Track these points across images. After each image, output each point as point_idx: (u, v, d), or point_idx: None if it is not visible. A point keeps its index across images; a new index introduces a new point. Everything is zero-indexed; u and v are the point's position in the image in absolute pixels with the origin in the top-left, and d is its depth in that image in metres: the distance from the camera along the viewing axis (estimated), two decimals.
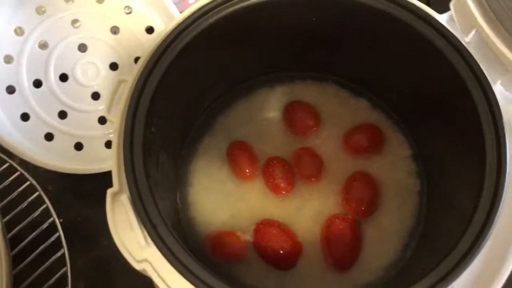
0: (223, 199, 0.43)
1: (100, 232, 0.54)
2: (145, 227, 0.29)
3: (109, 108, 0.34)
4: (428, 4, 0.37)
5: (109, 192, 0.31)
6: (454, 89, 0.35)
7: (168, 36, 0.35)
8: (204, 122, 0.46)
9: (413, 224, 0.41)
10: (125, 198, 0.30)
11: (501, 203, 0.30)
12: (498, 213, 0.30)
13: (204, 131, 0.46)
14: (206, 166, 0.44)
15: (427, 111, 0.41)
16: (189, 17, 0.36)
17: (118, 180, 0.32)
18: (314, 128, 0.45)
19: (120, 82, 0.34)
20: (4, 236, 0.38)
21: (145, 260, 0.30)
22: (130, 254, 0.30)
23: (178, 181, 0.43)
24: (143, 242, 0.30)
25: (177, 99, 0.38)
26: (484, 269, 0.30)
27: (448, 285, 0.28)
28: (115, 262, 0.53)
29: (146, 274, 0.30)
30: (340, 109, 0.46)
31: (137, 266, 0.29)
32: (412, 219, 0.42)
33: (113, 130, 0.52)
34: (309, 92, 0.47)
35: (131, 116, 0.32)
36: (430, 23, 0.35)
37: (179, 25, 0.36)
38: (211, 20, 0.36)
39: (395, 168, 0.44)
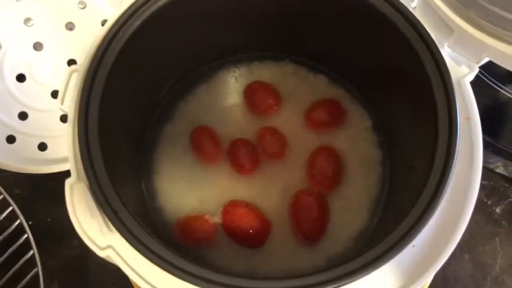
0: (190, 184, 0.43)
1: (71, 231, 0.53)
2: (105, 212, 0.29)
3: (62, 100, 0.33)
4: None
5: (67, 182, 0.31)
6: (404, 55, 0.35)
7: (117, 21, 0.35)
8: (165, 109, 0.46)
9: (378, 193, 0.42)
10: (82, 186, 0.30)
11: (454, 160, 0.31)
12: (452, 169, 0.31)
13: (165, 118, 0.45)
14: (170, 153, 0.44)
15: (382, 81, 0.41)
16: (136, 1, 0.36)
17: (76, 170, 0.31)
18: (275, 107, 0.45)
19: (71, 72, 0.34)
20: None
21: (109, 247, 0.29)
22: (93, 241, 0.29)
23: (143, 169, 0.43)
24: (105, 228, 0.29)
25: (133, 86, 0.38)
26: (441, 227, 0.31)
27: (408, 243, 0.29)
28: (88, 260, 0.52)
29: (111, 261, 0.30)
30: (299, 87, 0.46)
31: (101, 253, 0.29)
32: (376, 187, 0.42)
33: None
34: (267, 72, 0.47)
35: (84, 105, 0.32)
36: None
37: (128, 9, 0.36)
38: (160, 3, 0.36)
39: (357, 140, 0.44)
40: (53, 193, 0.55)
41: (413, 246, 0.30)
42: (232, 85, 0.47)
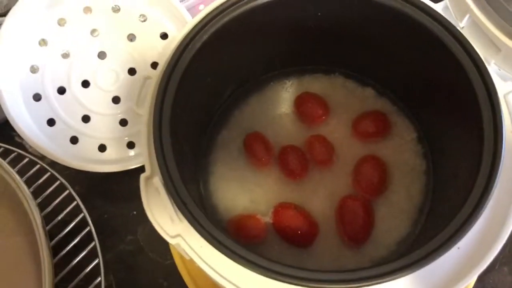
0: (242, 186, 0.46)
1: (125, 227, 0.57)
2: (176, 204, 0.33)
3: (137, 103, 0.37)
4: None
5: (142, 176, 0.34)
6: (452, 72, 0.38)
7: (185, 37, 0.39)
8: (221, 117, 0.49)
9: (422, 201, 0.44)
10: (157, 180, 0.34)
11: (499, 171, 0.33)
12: (497, 180, 0.33)
13: (221, 125, 0.49)
14: (224, 156, 0.47)
15: (429, 95, 0.44)
16: (202, 20, 0.39)
17: (150, 166, 0.35)
18: (324, 117, 0.48)
19: (146, 78, 0.37)
20: (45, 231, 0.41)
21: (178, 235, 0.33)
22: (164, 230, 0.33)
23: (200, 170, 0.46)
24: (175, 218, 0.33)
25: (197, 95, 0.42)
26: (486, 232, 0.33)
27: (454, 244, 0.31)
28: (141, 255, 0.56)
29: (179, 249, 0.33)
30: (347, 98, 0.49)
31: (171, 241, 0.32)
32: (420, 196, 0.44)
33: (134, 131, 0.56)
34: (317, 84, 0.50)
35: (159, 108, 0.35)
36: (428, 12, 0.39)
37: (194, 27, 0.39)
38: (223, 21, 0.40)
39: (402, 150, 0.46)
40: (109, 192, 0.60)
41: (458, 248, 0.32)
42: (283, 95, 0.50)
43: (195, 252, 0.32)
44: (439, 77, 0.40)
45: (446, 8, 0.39)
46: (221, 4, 0.40)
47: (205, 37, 0.39)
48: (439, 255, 0.31)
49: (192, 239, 0.33)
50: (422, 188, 0.45)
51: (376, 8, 0.40)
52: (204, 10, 0.40)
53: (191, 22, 0.40)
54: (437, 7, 0.39)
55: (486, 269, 0.51)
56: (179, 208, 0.32)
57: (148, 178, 0.34)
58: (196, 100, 0.42)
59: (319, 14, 0.42)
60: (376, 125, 0.47)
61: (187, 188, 0.34)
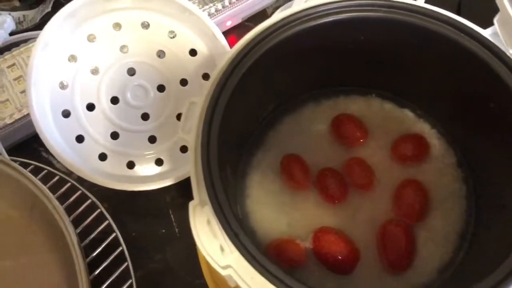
0: (279, 209, 0.45)
1: (154, 246, 0.57)
2: (228, 235, 0.32)
3: (183, 128, 0.37)
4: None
5: (191, 205, 0.34)
6: (501, 98, 0.37)
7: (230, 64, 0.38)
8: (257, 138, 0.48)
9: (463, 227, 0.44)
10: (207, 209, 0.33)
11: None
12: None
13: (257, 146, 0.48)
14: (261, 179, 0.47)
15: (472, 121, 0.43)
16: (246, 45, 0.39)
17: (198, 194, 0.34)
18: (362, 139, 0.48)
19: (190, 104, 0.37)
20: (81, 249, 0.41)
21: (229, 266, 0.32)
22: (215, 261, 0.32)
23: (237, 193, 0.46)
24: (226, 249, 0.32)
25: (238, 118, 0.41)
26: None
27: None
28: (169, 275, 0.55)
29: (230, 280, 0.32)
30: (385, 121, 0.48)
31: (223, 272, 0.32)
32: (461, 222, 0.44)
33: (163, 148, 0.56)
34: (354, 105, 0.49)
35: (206, 135, 0.35)
36: (475, 37, 0.38)
37: (239, 53, 0.39)
38: (269, 45, 0.39)
39: (442, 174, 0.46)
40: (137, 210, 0.59)
41: None
42: (319, 116, 0.49)
43: (246, 283, 0.32)
44: (486, 104, 0.40)
45: (495, 33, 0.38)
46: (264, 31, 0.40)
47: (248, 64, 0.38)
48: None
49: (243, 270, 0.32)
50: (463, 214, 0.44)
51: (421, 33, 0.40)
52: (248, 35, 0.40)
53: (235, 47, 0.39)
54: (486, 33, 0.39)
55: None
56: (230, 240, 0.32)
57: (196, 206, 0.34)
58: (237, 123, 0.42)
59: (362, 38, 0.42)
60: (415, 149, 0.47)
61: (237, 217, 0.33)
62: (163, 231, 0.57)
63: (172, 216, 0.58)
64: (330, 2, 0.40)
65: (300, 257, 0.42)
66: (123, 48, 0.58)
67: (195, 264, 0.54)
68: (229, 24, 0.66)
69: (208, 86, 0.37)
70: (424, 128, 0.48)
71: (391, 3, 0.40)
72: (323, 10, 0.40)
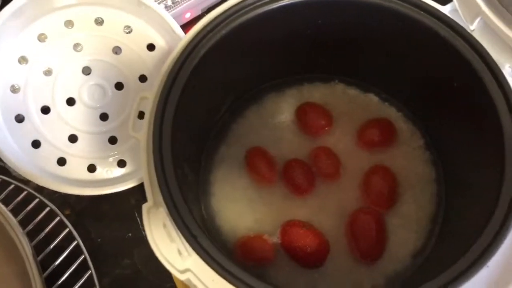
0: (246, 205, 0.44)
1: (121, 250, 0.55)
2: (185, 238, 0.30)
3: (133, 125, 0.34)
4: None
5: (145, 207, 0.32)
6: (464, 77, 0.36)
7: (181, 55, 0.36)
8: (219, 132, 0.47)
9: (434, 211, 0.43)
10: (160, 211, 0.31)
11: None
12: None
13: (220, 141, 0.46)
14: (225, 174, 0.45)
15: (438, 100, 0.42)
16: (197, 35, 0.37)
17: (152, 195, 0.32)
18: (327, 127, 0.46)
19: (141, 99, 0.35)
20: (36, 261, 0.38)
21: (188, 270, 0.30)
22: (172, 265, 0.30)
23: (201, 191, 0.44)
24: (184, 252, 0.30)
25: (194, 112, 0.39)
26: None
27: (484, 263, 0.29)
28: (139, 280, 0.53)
29: (189, 284, 0.31)
30: (350, 106, 0.47)
31: (181, 276, 0.30)
32: (432, 205, 0.43)
33: (124, 149, 0.53)
34: (317, 93, 0.48)
35: (157, 132, 0.33)
36: (435, 14, 0.37)
37: (190, 43, 0.37)
38: (219, 35, 0.38)
39: (410, 158, 0.45)
40: (102, 214, 0.57)
41: (487, 266, 0.30)
42: (282, 106, 0.48)
43: (207, 287, 0.30)
44: (450, 83, 0.38)
45: (454, 10, 0.37)
46: (216, 18, 0.38)
47: (202, 52, 0.37)
48: (469, 277, 0.29)
49: (203, 273, 0.30)
50: (433, 197, 0.43)
51: (379, 13, 0.38)
52: (198, 24, 0.38)
53: (186, 37, 0.37)
54: (444, 10, 0.38)
55: None
56: (188, 242, 0.30)
57: (151, 209, 0.31)
58: (194, 118, 0.40)
59: (320, 21, 0.40)
60: (382, 133, 0.45)
61: (195, 218, 0.31)
62: (130, 234, 0.55)
63: (138, 218, 0.56)
64: None
65: (268, 253, 0.41)
66: (76, 46, 0.56)
67: (164, 268, 0.52)
68: (188, 16, 0.64)
69: (159, 79, 0.35)
70: (390, 112, 0.47)
71: None
72: None
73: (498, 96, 0.34)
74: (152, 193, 0.32)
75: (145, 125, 0.34)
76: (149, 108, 0.34)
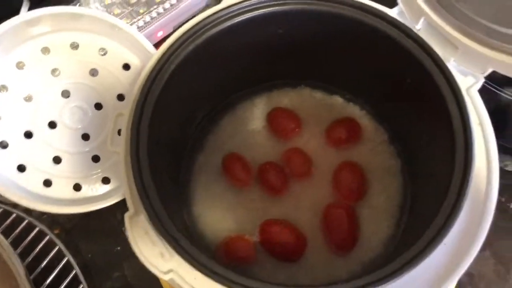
0: (226, 208, 0.46)
1: (111, 264, 0.56)
2: (167, 241, 0.32)
3: (111, 141, 0.37)
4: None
5: (127, 216, 0.34)
6: (415, 73, 0.39)
7: (152, 70, 0.39)
8: (195, 142, 0.49)
9: (402, 200, 0.45)
10: (141, 218, 0.33)
11: (473, 164, 0.34)
12: (472, 173, 0.34)
13: (197, 150, 0.49)
14: (204, 181, 0.47)
15: (395, 97, 0.45)
16: (167, 51, 0.40)
17: (133, 204, 0.34)
18: (297, 129, 0.49)
19: (117, 116, 0.37)
20: (29, 280, 0.40)
21: (171, 271, 0.32)
22: (156, 267, 0.32)
23: (182, 199, 0.46)
24: (166, 254, 0.32)
25: (169, 124, 0.42)
26: (468, 224, 0.34)
27: (441, 241, 0.32)
28: None
29: (173, 284, 0.33)
30: (317, 109, 0.50)
31: (165, 277, 0.32)
32: (399, 196, 0.45)
33: (107, 166, 0.55)
34: (286, 98, 0.51)
35: (134, 145, 0.35)
36: (383, 17, 0.40)
37: (160, 59, 0.39)
38: (188, 50, 0.40)
39: (376, 152, 0.48)
40: (91, 230, 0.58)
41: (445, 244, 0.33)
42: (254, 113, 0.51)
43: (189, 284, 0.32)
44: (403, 80, 0.41)
45: (401, 12, 0.40)
46: (183, 34, 0.40)
47: (172, 67, 0.39)
48: (427, 255, 0.32)
49: (185, 272, 0.33)
50: (400, 188, 0.46)
51: (333, 19, 0.41)
52: (168, 41, 0.40)
53: (156, 54, 0.40)
54: (393, 12, 0.41)
55: None
56: (170, 245, 0.32)
57: (133, 217, 0.34)
58: (170, 129, 0.42)
59: (280, 31, 0.43)
60: (348, 131, 0.48)
61: (174, 222, 0.33)
62: (119, 248, 0.57)
63: (125, 232, 0.57)
64: (243, 1, 0.41)
65: (249, 252, 0.43)
66: (54, 71, 0.58)
67: (154, 277, 0.54)
68: (161, 34, 0.66)
69: (133, 96, 0.38)
70: (354, 111, 0.49)
71: None
72: (238, 9, 0.41)
73: (445, 89, 0.37)
74: (133, 202, 0.35)
75: (123, 139, 0.36)
76: (125, 124, 0.37)
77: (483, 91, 0.55)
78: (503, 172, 0.57)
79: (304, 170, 0.47)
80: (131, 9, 0.66)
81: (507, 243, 0.55)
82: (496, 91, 0.56)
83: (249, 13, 0.41)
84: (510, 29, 0.32)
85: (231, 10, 0.41)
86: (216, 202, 0.46)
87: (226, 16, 0.41)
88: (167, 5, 0.64)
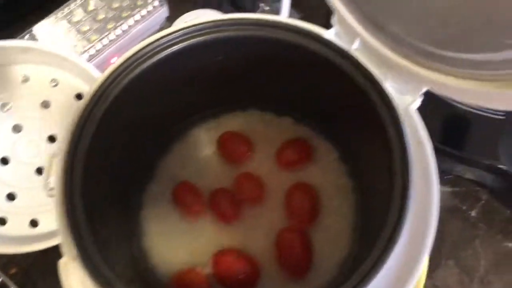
0: (178, 239, 0.45)
1: None
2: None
3: (46, 184, 0.36)
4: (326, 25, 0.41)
5: (60, 262, 0.33)
6: (354, 94, 0.39)
7: (88, 104, 0.38)
8: (145, 171, 0.48)
9: (354, 219, 0.45)
10: (76, 264, 0.32)
11: (410, 182, 0.34)
12: (410, 193, 0.34)
13: (147, 179, 0.48)
14: (155, 211, 0.46)
15: (341, 117, 0.44)
16: (102, 83, 0.39)
17: (67, 248, 0.33)
18: (248, 153, 0.48)
19: (52, 157, 0.36)
20: None
21: None
22: None
23: (131, 231, 0.45)
24: None
25: (112, 155, 0.41)
26: (411, 244, 0.34)
27: (383, 264, 0.32)
28: None
29: None
30: (267, 131, 0.49)
31: None
32: (352, 215, 0.45)
33: None
34: (235, 121, 0.50)
35: (68, 185, 0.34)
36: (320, 40, 0.39)
37: (96, 91, 0.38)
38: (127, 79, 0.39)
39: (328, 172, 0.47)
40: (50, 267, 0.57)
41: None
42: (205, 139, 0.50)
43: None
44: (346, 100, 0.41)
45: (338, 33, 0.40)
46: (121, 64, 0.40)
47: (110, 97, 0.38)
48: (372, 278, 0.31)
49: None
50: (353, 207, 0.45)
51: (271, 44, 0.41)
52: (105, 73, 0.39)
53: (93, 84, 0.39)
54: (329, 34, 0.40)
55: (433, 266, 0.53)
56: None
57: (67, 263, 0.33)
58: (114, 161, 0.41)
59: (220, 58, 0.42)
60: (299, 152, 0.48)
61: (113, 266, 0.33)
62: None
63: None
64: (179, 29, 0.41)
65: (202, 286, 0.42)
66: (3, 106, 0.57)
67: None
68: (114, 60, 0.66)
69: (66, 131, 0.37)
70: (305, 131, 0.49)
71: (237, 21, 0.41)
72: (173, 38, 0.41)
73: (382, 109, 0.36)
74: (67, 247, 0.34)
75: (58, 180, 0.35)
76: (58, 163, 0.36)
77: (438, 103, 0.56)
78: (462, 180, 0.57)
79: (256, 195, 0.46)
80: (99, 25, 0.64)
81: (470, 251, 0.55)
82: (451, 102, 0.56)
83: (186, 42, 0.41)
84: (438, 49, 0.32)
85: (166, 40, 0.40)
86: (168, 233, 0.45)
87: (168, 44, 0.41)
88: (118, 31, 0.63)
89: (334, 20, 0.40)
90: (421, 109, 0.38)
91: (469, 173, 0.56)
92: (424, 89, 0.37)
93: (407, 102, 0.38)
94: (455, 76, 0.32)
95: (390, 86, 0.38)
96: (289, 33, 0.40)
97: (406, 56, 0.36)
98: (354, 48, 0.39)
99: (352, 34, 0.38)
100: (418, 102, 0.38)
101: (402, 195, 0.34)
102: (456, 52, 0.30)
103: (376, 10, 0.34)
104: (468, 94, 0.32)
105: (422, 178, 0.36)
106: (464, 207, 0.56)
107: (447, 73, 0.33)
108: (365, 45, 0.38)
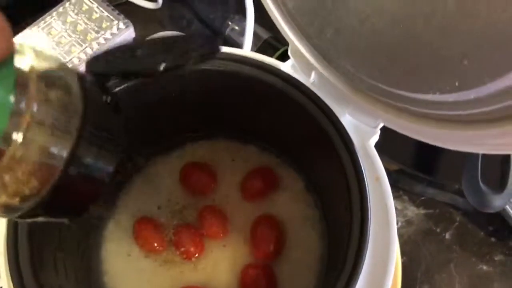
0: (140, 277, 0.44)
1: None
2: None
3: None
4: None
5: None
6: (312, 127, 0.38)
7: None
8: (107, 203, 0.47)
9: (321, 252, 0.44)
10: None
11: (369, 217, 0.33)
12: (368, 227, 0.33)
13: (108, 213, 0.46)
14: (116, 249, 0.45)
15: (304, 147, 0.43)
16: None
17: None
18: (212, 185, 0.47)
19: None
20: None
21: None
22: None
23: (91, 271, 0.44)
24: None
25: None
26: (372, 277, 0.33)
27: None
28: None
29: None
30: (232, 160, 0.48)
31: None
32: (319, 247, 0.44)
33: None
34: (200, 151, 0.49)
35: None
36: (277, 74, 0.38)
37: None
38: None
39: (293, 202, 0.46)
40: None
41: None
42: (167, 170, 0.48)
43: None
44: (305, 132, 0.40)
45: (294, 65, 0.39)
46: None
47: None
48: None
49: None
50: (319, 239, 0.44)
51: (231, 78, 0.40)
52: None
53: None
54: (286, 65, 0.39)
55: None
56: None
57: None
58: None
59: (173, 94, 0.41)
60: (264, 182, 0.46)
61: None
62: None
63: None
64: None
65: None
66: None
67: None
68: None
69: None
70: (270, 160, 0.48)
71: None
72: None
73: (339, 144, 0.36)
74: None
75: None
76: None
77: None
78: (435, 203, 0.56)
79: (219, 229, 0.45)
80: (62, 49, 0.63)
81: (445, 275, 0.54)
82: None
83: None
84: (389, 87, 0.31)
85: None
86: (130, 271, 0.44)
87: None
88: (82, 55, 0.62)
89: (289, 52, 0.39)
90: (393, 135, 0.36)
91: (442, 196, 0.55)
92: (381, 124, 0.36)
93: (366, 136, 0.37)
94: (409, 114, 0.31)
95: (348, 120, 0.37)
96: (246, 67, 0.39)
97: (360, 91, 0.34)
98: (311, 81, 0.38)
99: (308, 67, 0.37)
100: (376, 137, 0.37)
101: (361, 231, 0.34)
102: (406, 91, 0.29)
103: (326, 44, 0.33)
104: (423, 134, 0.31)
105: (380, 211, 0.35)
106: (438, 230, 0.55)
107: (400, 111, 0.31)
108: (321, 78, 0.37)
